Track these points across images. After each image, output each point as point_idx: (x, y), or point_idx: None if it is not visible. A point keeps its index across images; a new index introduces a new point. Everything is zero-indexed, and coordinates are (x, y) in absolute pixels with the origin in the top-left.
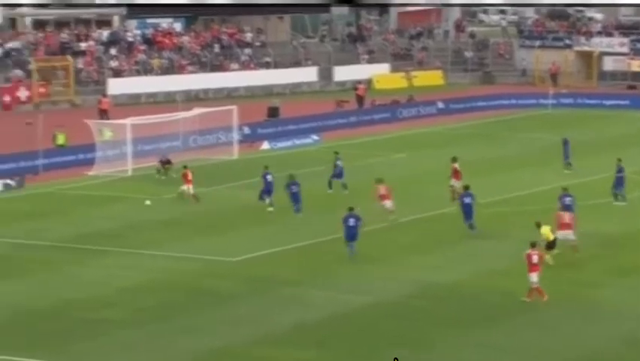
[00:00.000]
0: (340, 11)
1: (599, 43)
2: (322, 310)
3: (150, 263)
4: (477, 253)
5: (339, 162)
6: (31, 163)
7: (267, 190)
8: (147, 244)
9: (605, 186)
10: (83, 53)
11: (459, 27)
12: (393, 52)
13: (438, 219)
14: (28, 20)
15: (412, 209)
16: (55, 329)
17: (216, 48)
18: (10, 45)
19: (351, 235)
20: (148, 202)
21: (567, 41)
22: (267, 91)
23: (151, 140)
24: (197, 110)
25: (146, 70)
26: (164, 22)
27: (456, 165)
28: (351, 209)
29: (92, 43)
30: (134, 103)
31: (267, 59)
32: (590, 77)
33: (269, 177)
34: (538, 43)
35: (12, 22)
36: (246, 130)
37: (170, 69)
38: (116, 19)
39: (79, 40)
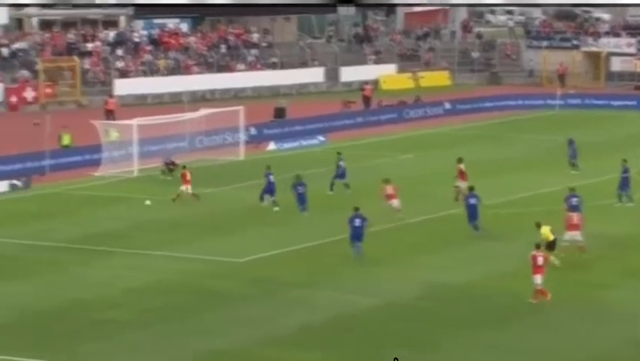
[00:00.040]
0: (347, 12)
1: (606, 44)
2: (328, 312)
3: (156, 264)
4: (484, 255)
5: (341, 163)
6: (37, 164)
7: (269, 190)
8: (153, 244)
9: (613, 187)
10: (89, 54)
11: (466, 27)
12: (399, 52)
13: (445, 220)
14: (34, 21)
15: (419, 210)
16: (61, 329)
17: (223, 49)
18: (16, 46)
19: (357, 235)
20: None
21: (575, 42)
22: (274, 92)
23: (157, 140)
24: (203, 111)
25: (152, 70)
26: (171, 23)
27: (461, 166)
28: (356, 209)
29: (98, 43)
30: (140, 104)
31: (274, 60)
32: (597, 77)
33: (271, 178)
34: (545, 43)
35: (19, 22)
36: (253, 131)
37: (176, 70)
38: (122, 20)
39: (85, 40)
